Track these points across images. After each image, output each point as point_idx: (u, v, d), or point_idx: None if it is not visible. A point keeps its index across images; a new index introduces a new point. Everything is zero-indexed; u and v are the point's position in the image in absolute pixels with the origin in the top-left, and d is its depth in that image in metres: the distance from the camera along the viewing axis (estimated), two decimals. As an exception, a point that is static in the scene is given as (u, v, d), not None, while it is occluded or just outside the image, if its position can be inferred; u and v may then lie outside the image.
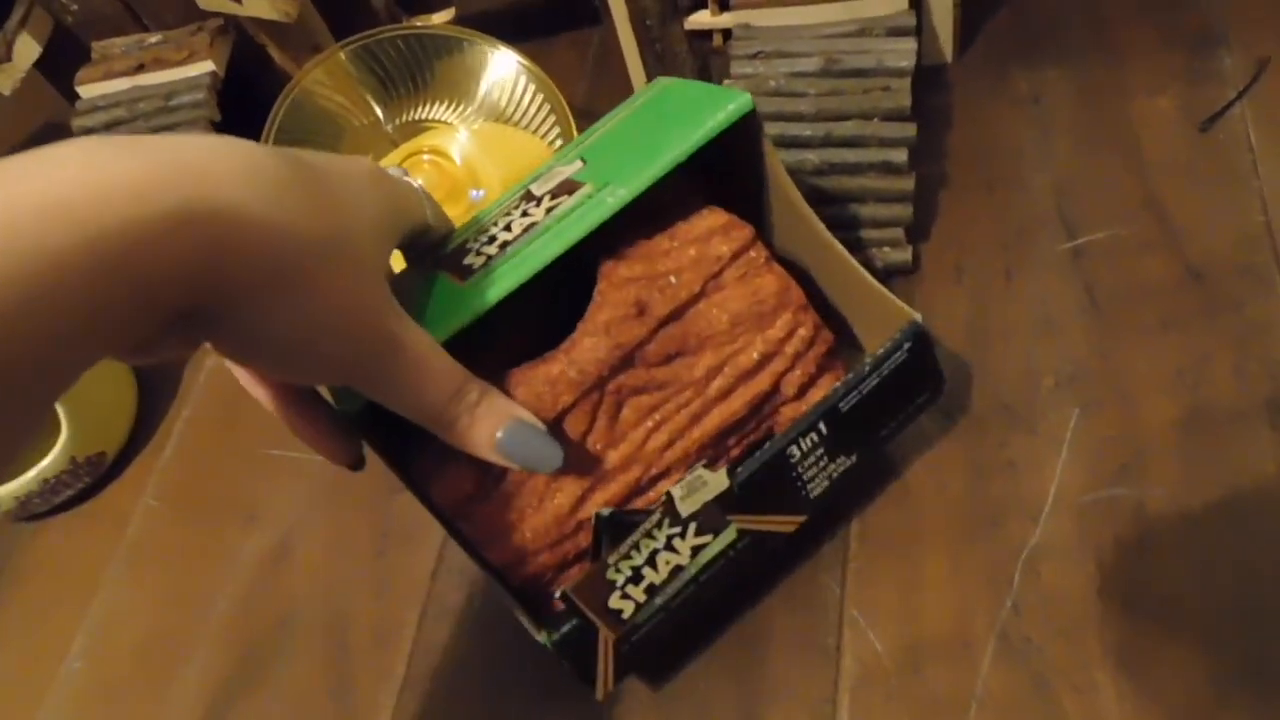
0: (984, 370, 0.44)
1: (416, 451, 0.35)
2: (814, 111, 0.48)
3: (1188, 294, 0.44)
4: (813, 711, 0.37)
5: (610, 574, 0.34)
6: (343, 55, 0.53)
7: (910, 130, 0.47)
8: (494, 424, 0.32)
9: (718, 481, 0.35)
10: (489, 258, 0.35)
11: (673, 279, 0.36)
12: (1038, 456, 0.41)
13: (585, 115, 0.59)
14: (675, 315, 0.36)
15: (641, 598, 0.35)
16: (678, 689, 0.39)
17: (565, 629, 0.34)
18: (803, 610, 0.40)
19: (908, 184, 0.47)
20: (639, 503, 0.36)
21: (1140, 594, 0.37)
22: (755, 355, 0.37)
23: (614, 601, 0.35)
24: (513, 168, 0.52)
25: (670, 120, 0.39)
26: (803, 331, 0.38)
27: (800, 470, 0.37)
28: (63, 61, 0.60)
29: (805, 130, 0.48)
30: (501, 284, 0.34)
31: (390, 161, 0.54)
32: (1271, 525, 0.37)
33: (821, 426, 0.37)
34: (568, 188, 0.37)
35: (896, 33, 0.49)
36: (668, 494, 0.34)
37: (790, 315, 0.37)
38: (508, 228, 0.37)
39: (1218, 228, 0.45)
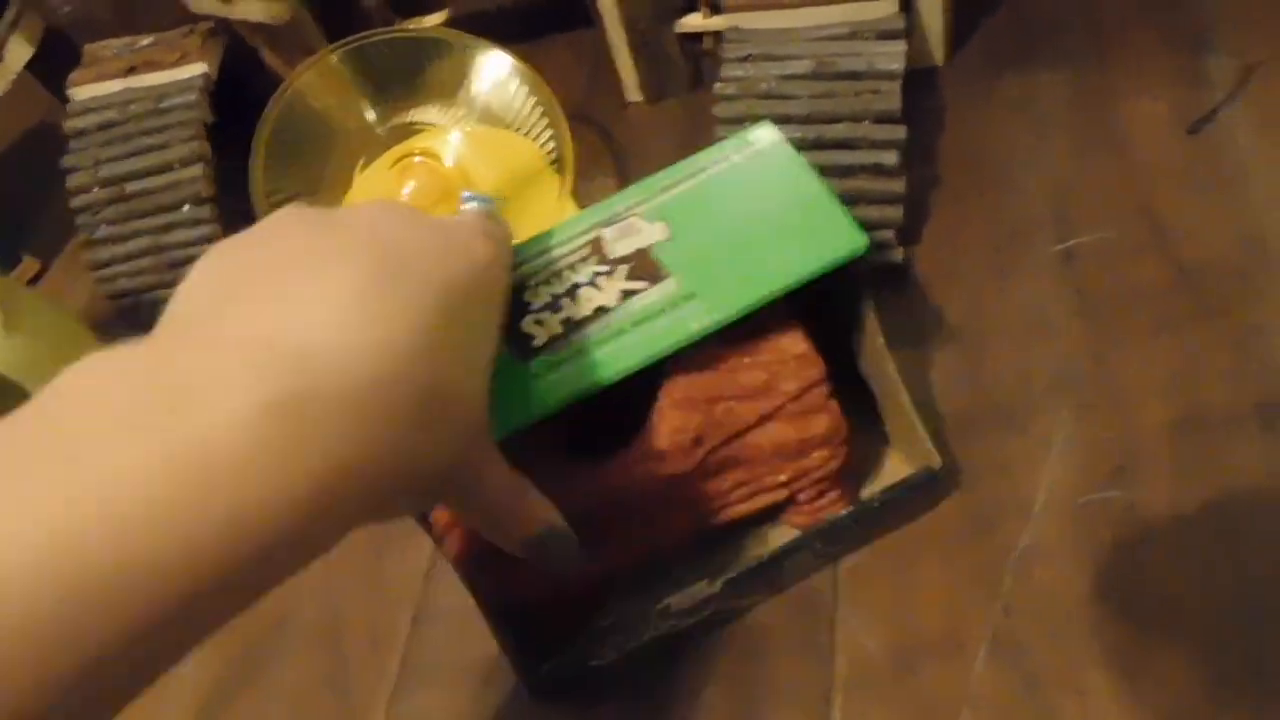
0: (976, 372, 0.44)
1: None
2: (805, 114, 0.48)
3: (1179, 297, 0.44)
4: (807, 711, 0.37)
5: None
6: (334, 58, 0.52)
7: (901, 132, 0.47)
8: (528, 527, 0.31)
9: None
10: (553, 339, 0.34)
11: (734, 406, 0.36)
12: (1030, 458, 0.41)
13: (580, 119, 0.59)
14: (726, 443, 0.36)
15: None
16: (670, 690, 0.39)
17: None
18: (795, 611, 0.40)
19: (899, 186, 0.47)
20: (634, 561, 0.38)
21: (1133, 596, 0.37)
22: (783, 478, 0.38)
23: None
24: (506, 170, 0.52)
25: (773, 233, 0.36)
26: (834, 464, 0.38)
27: (787, 569, 0.39)
28: (55, 63, 0.59)
29: (796, 133, 0.47)
30: (567, 387, 0.33)
31: (383, 164, 0.54)
32: (1263, 526, 0.37)
33: (817, 543, 0.38)
34: (649, 271, 0.35)
35: (887, 36, 0.49)
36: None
37: (829, 451, 0.38)
38: (573, 294, 0.35)
39: (1210, 231, 0.45)
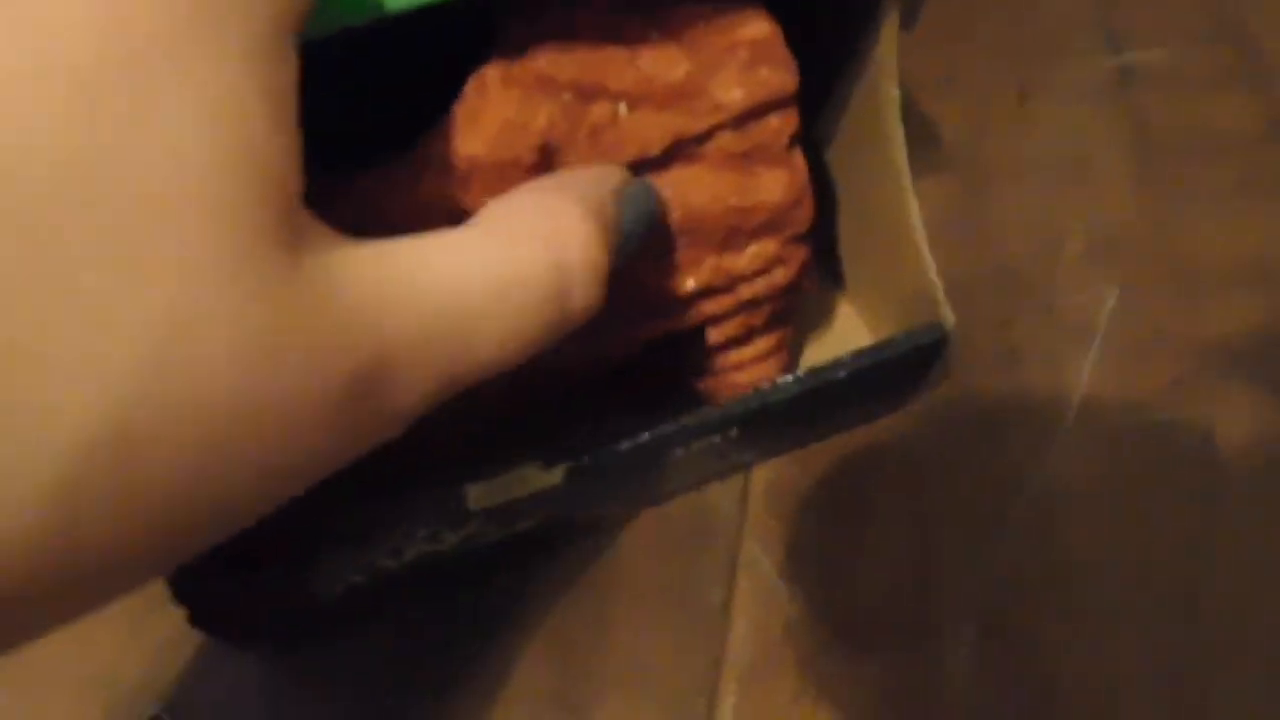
0: (982, 222, 0.30)
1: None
2: None
3: (1275, 150, 0.31)
4: (675, 709, 0.23)
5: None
6: None
7: None
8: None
9: (540, 479, 0.21)
10: None
11: (621, 111, 0.19)
12: (1054, 348, 0.27)
13: None
14: None
15: (355, 579, 0.21)
16: (455, 645, 0.24)
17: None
18: (674, 544, 0.25)
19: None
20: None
21: (1195, 575, 0.24)
22: (690, 285, 0.22)
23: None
24: None
25: None
26: (780, 274, 0.22)
27: (671, 467, 0.23)
28: None
29: None
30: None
31: None
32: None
33: (731, 430, 0.23)
34: None
35: None
36: (462, 489, 0.21)
37: (777, 245, 0.22)
38: None
39: (1313, 72, 0.32)
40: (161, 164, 0.11)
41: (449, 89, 0.18)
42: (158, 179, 0.11)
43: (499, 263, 0.14)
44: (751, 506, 0.25)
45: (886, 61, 0.23)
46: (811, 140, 0.26)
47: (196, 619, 0.20)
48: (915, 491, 0.25)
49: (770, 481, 0.26)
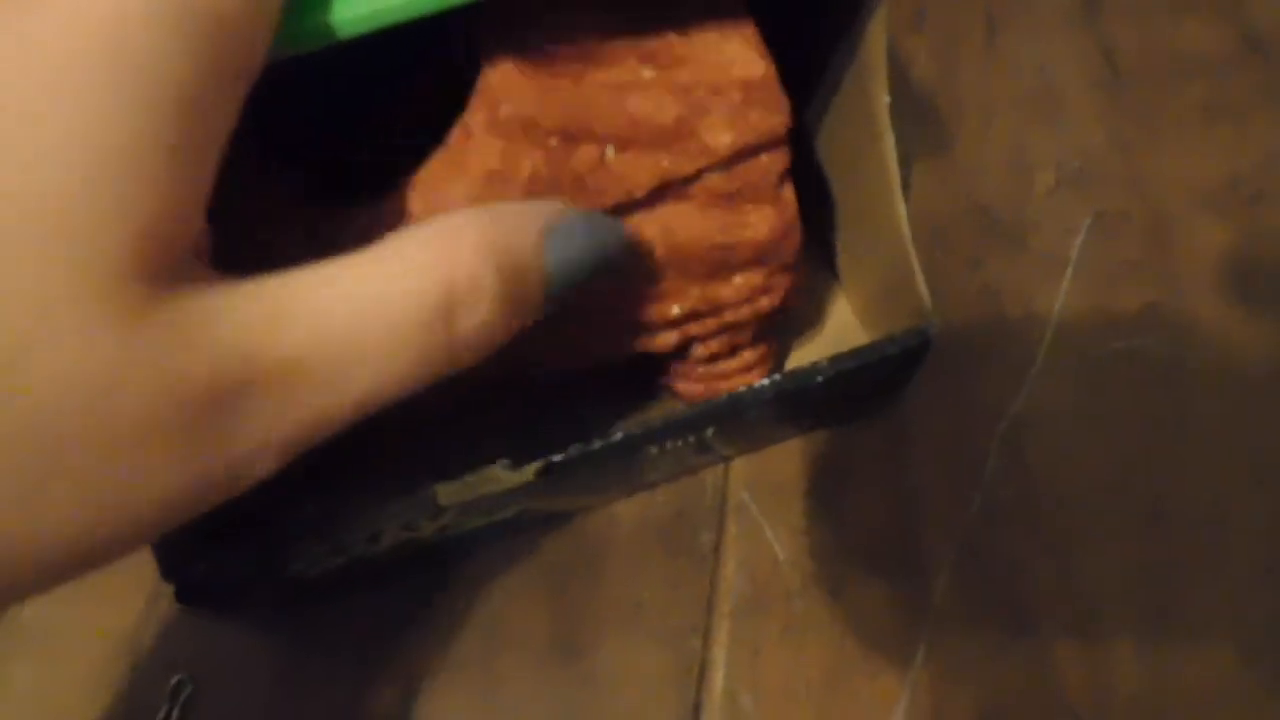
0: (953, 157, 0.30)
1: None
2: None
3: (1246, 72, 0.31)
4: (670, 646, 0.24)
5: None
6: None
7: None
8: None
9: (509, 478, 0.22)
10: None
11: (611, 155, 0.19)
12: (1029, 282, 0.28)
13: None
14: None
15: (334, 561, 0.22)
16: (472, 605, 0.25)
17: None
18: (663, 492, 0.26)
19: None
20: None
21: (1164, 489, 0.25)
22: (675, 311, 0.22)
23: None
24: None
25: None
26: (764, 302, 0.23)
27: (647, 462, 0.24)
28: None
29: None
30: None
31: None
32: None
33: (709, 429, 0.23)
34: None
35: None
36: (431, 490, 0.21)
37: (763, 276, 0.22)
38: None
39: (1284, -9, 0.32)
40: (15, 202, 0.11)
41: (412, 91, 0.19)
42: (11, 215, 0.11)
43: (382, 284, 0.14)
44: (734, 473, 0.26)
45: (875, 65, 0.23)
46: (805, 130, 0.26)
47: (182, 596, 0.21)
48: (896, 431, 0.26)
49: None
